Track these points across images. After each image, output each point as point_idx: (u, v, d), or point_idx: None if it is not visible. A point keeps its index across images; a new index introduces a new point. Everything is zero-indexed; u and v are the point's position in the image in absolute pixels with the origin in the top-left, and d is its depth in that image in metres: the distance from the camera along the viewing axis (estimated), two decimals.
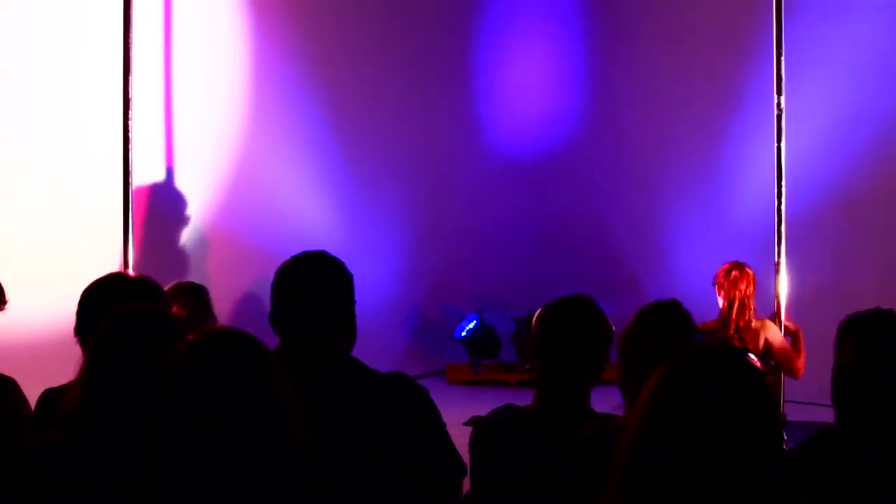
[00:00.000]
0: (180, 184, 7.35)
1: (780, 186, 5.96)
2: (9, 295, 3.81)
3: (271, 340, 2.41)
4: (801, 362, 5.59)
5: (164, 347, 2.43)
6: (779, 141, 5.96)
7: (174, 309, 4.25)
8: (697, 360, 1.76)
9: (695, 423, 1.69)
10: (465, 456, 2.93)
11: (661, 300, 3.00)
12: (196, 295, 4.53)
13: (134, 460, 2.29)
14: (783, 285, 5.80)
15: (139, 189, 6.67)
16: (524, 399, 3.01)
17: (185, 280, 4.92)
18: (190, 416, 1.91)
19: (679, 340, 2.70)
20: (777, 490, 1.71)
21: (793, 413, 5.95)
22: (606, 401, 3.17)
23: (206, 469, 1.91)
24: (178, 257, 7.32)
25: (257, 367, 2.00)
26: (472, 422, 3.02)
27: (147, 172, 7.00)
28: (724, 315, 5.51)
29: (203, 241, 7.42)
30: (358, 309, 2.86)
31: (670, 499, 1.67)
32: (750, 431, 1.69)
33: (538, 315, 2.94)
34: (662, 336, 2.76)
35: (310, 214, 7.60)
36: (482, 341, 7.83)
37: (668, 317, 2.91)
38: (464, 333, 7.82)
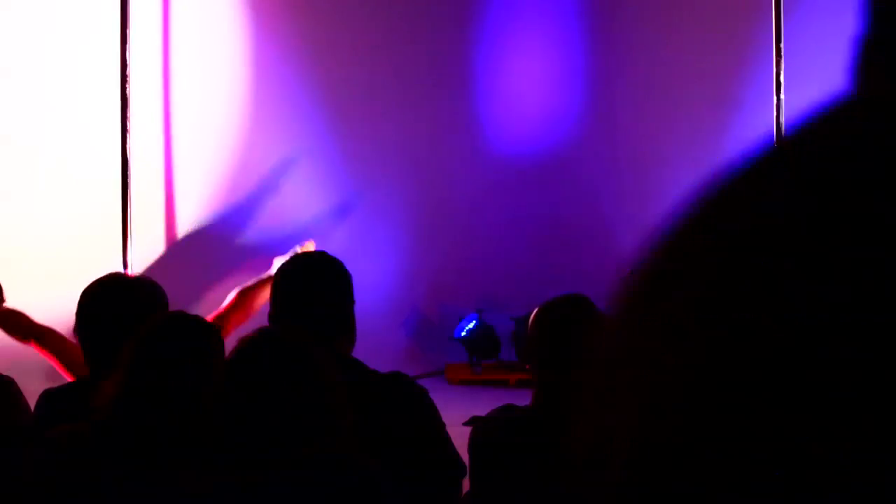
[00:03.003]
0: (179, 183, 7.35)
1: None
2: (8, 294, 3.81)
3: None
4: None
5: (204, 356, 2.50)
6: (778, 141, 5.97)
7: None
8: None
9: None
10: (465, 456, 2.93)
11: None
12: None
13: (165, 459, 2.33)
14: None
15: (138, 189, 6.67)
16: (524, 399, 3.01)
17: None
18: (253, 414, 1.93)
19: None
20: (775, 490, 1.70)
21: None
22: None
23: (259, 462, 1.92)
24: (178, 257, 7.32)
25: (316, 363, 2.02)
26: (472, 422, 3.02)
27: (146, 172, 7.00)
28: None
29: (202, 241, 7.42)
30: (357, 309, 2.87)
31: (667, 499, 1.67)
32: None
33: (534, 315, 2.94)
34: None
35: (309, 214, 7.60)
36: (482, 341, 7.83)
37: None
38: (463, 333, 7.82)
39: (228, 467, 1.94)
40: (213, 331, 2.59)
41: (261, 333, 2.05)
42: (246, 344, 2.02)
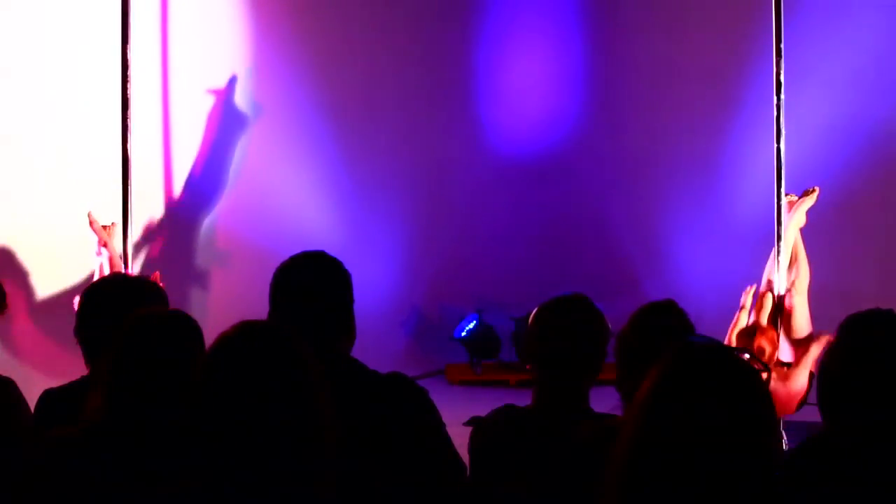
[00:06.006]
0: (178, 183, 7.36)
1: (779, 186, 5.96)
2: (9, 294, 3.80)
3: None
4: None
5: (190, 351, 2.48)
6: (778, 141, 5.96)
7: None
8: (689, 359, 1.75)
9: (690, 424, 1.68)
10: (465, 456, 2.93)
11: (658, 300, 3.01)
12: None
13: (156, 460, 2.32)
14: (783, 285, 5.79)
15: (138, 189, 6.68)
16: (524, 399, 3.01)
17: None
18: (236, 411, 1.91)
19: (675, 340, 2.70)
20: (775, 491, 1.70)
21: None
22: (605, 401, 3.17)
23: (245, 465, 1.90)
24: (178, 257, 7.32)
25: (301, 361, 2.00)
26: (472, 422, 3.02)
27: (146, 172, 7.00)
28: None
29: (201, 241, 7.42)
30: (357, 309, 2.86)
31: (668, 500, 1.66)
32: (745, 431, 1.68)
33: (535, 315, 2.94)
34: (658, 336, 2.76)
35: (308, 214, 7.60)
36: (482, 341, 7.83)
37: (663, 317, 2.91)
38: (464, 333, 7.82)
39: (214, 467, 1.92)
40: (191, 325, 2.56)
41: (241, 327, 2.02)
42: (226, 338, 1.99)
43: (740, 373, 1.74)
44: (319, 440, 1.96)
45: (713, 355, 1.76)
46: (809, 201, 5.91)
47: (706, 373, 1.73)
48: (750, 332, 5.36)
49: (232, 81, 7.44)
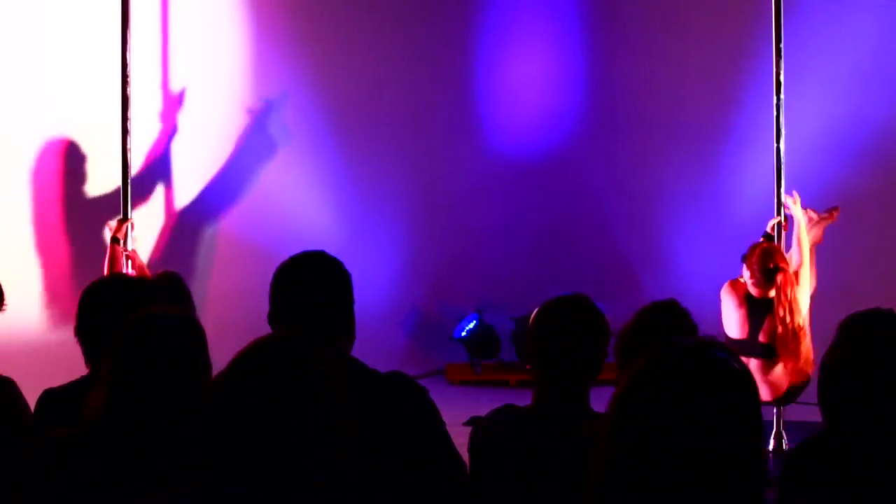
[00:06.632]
0: (179, 184, 7.35)
1: (779, 186, 5.97)
2: (10, 293, 3.80)
3: None
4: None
5: (191, 352, 2.47)
6: (778, 141, 5.97)
7: None
8: (665, 360, 1.67)
9: (661, 426, 1.62)
10: (465, 456, 2.93)
11: (659, 300, 3.00)
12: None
13: (156, 460, 2.32)
14: None
15: (138, 189, 6.67)
16: (524, 399, 3.01)
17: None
18: (252, 423, 1.91)
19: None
20: (761, 494, 1.67)
21: (793, 413, 5.95)
22: (605, 401, 3.17)
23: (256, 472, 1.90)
24: (178, 257, 7.31)
25: (316, 374, 1.99)
26: (472, 422, 3.01)
27: (147, 172, 7.01)
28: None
29: (201, 242, 7.42)
30: (357, 309, 2.86)
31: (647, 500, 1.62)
32: (723, 434, 1.61)
33: (535, 315, 2.93)
34: (659, 336, 2.76)
35: (309, 214, 7.60)
36: (482, 341, 7.83)
37: (665, 316, 2.91)
38: (464, 333, 7.82)
39: (214, 467, 1.92)
40: (193, 325, 2.55)
41: (267, 340, 2.02)
42: (251, 350, 2.00)
43: (721, 375, 1.66)
44: (321, 442, 1.96)
45: (693, 355, 1.67)
46: (830, 221, 5.98)
47: (681, 374, 1.65)
48: (770, 254, 5.54)
49: (267, 106, 7.48)
